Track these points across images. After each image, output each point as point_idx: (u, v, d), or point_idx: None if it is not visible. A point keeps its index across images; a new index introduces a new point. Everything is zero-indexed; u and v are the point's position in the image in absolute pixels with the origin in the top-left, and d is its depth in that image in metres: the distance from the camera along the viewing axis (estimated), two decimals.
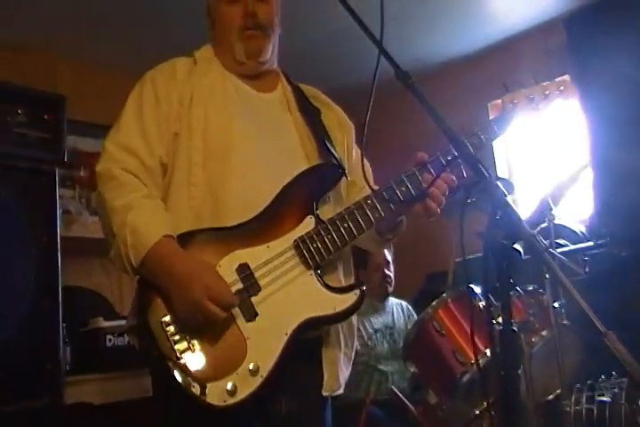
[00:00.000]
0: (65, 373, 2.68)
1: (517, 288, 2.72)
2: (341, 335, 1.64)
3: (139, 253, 1.46)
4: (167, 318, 1.43)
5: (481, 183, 1.21)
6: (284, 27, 1.80)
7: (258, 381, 1.42)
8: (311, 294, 1.51)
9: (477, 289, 2.72)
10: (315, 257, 1.52)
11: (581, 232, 3.59)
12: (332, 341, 1.62)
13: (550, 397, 2.66)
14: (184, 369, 1.39)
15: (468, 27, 4.14)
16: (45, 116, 2.69)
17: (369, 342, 3.48)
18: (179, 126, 1.59)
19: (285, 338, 1.46)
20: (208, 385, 1.38)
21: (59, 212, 2.68)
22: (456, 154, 1.52)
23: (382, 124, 4.71)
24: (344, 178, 1.65)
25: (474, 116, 4.45)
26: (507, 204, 1.18)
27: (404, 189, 1.55)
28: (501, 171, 4.33)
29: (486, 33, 4.24)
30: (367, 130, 1.46)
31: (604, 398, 2.45)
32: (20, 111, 2.64)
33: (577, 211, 3.94)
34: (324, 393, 1.60)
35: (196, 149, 1.57)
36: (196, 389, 1.38)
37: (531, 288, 2.76)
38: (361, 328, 3.48)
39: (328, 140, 1.70)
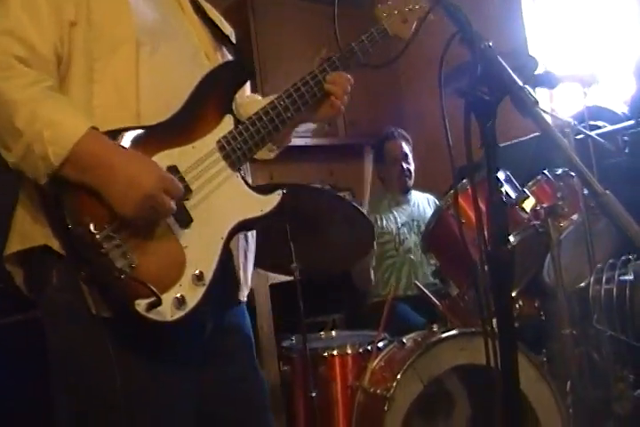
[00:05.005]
0: None
1: (545, 172, 2.56)
2: (241, 242, 1.57)
3: (61, 148, 1.25)
4: (101, 232, 1.24)
5: (460, 33, 1.04)
6: None
7: (202, 289, 1.33)
8: (240, 196, 1.45)
9: (501, 175, 2.56)
10: (240, 158, 1.45)
11: (623, 113, 3.36)
12: (239, 249, 1.56)
13: (582, 284, 2.53)
14: (124, 285, 1.24)
15: None
16: None
17: (396, 238, 3.46)
18: (76, 14, 1.37)
19: (222, 243, 1.39)
20: (155, 299, 1.25)
21: None
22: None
23: None
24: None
25: None
26: (490, 54, 1.00)
27: (309, 90, 1.55)
28: (533, 50, 4.04)
29: None
30: None
31: (626, 277, 2.30)
32: None
33: (619, 91, 3.71)
34: (243, 299, 1.59)
35: (98, 41, 1.37)
36: (141, 306, 1.24)
37: (560, 171, 2.58)
38: (386, 223, 3.44)
39: (226, 39, 1.62)
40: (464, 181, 2.44)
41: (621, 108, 3.43)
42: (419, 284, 2.69)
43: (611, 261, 2.38)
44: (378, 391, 2.31)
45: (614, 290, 2.31)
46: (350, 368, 2.58)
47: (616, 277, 2.34)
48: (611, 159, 2.81)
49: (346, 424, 2.51)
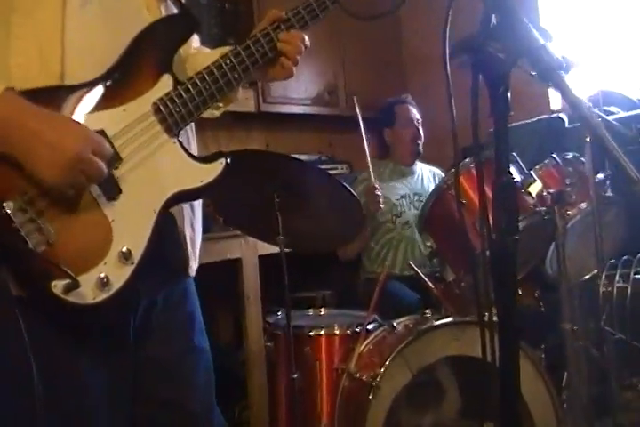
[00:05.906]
0: None
1: (554, 155, 2.41)
2: (187, 212, 1.46)
3: None
4: (12, 204, 1.11)
5: None
6: None
7: (130, 268, 1.21)
8: (177, 165, 1.31)
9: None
10: (178, 122, 1.31)
11: (638, 99, 3.22)
12: (184, 219, 1.44)
13: (587, 276, 2.40)
14: (38, 265, 1.12)
15: None
16: None
17: (393, 209, 3.33)
18: None
19: (154, 216, 1.27)
20: (71, 282, 1.13)
21: None
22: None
23: None
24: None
25: None
26: (505, 5, 0.85)
27: (260, 49, 1.42)
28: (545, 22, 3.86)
29: None
30: None
31: None
32: None
33: (634, 76, 3.55)
34: (191, 274, 1.49)
35: None
36: (58, 288, 1.12)
37: (570, 156, 2.43)
38: (386, 195, 3.29)
39: None
40: (467, 160, 2.29)
41: (637, 93, 3.28)
42: (413, 264, 2.55)
43: (625, 257, 2.23)
44: (364, 378, 2.20)
45: (629, 289, 2.16)
46: (337, 350, 2.47)
47: (631, 275, 2.19)
48: (623, 147, 2.68)
49: (329, 409, 2.40)
